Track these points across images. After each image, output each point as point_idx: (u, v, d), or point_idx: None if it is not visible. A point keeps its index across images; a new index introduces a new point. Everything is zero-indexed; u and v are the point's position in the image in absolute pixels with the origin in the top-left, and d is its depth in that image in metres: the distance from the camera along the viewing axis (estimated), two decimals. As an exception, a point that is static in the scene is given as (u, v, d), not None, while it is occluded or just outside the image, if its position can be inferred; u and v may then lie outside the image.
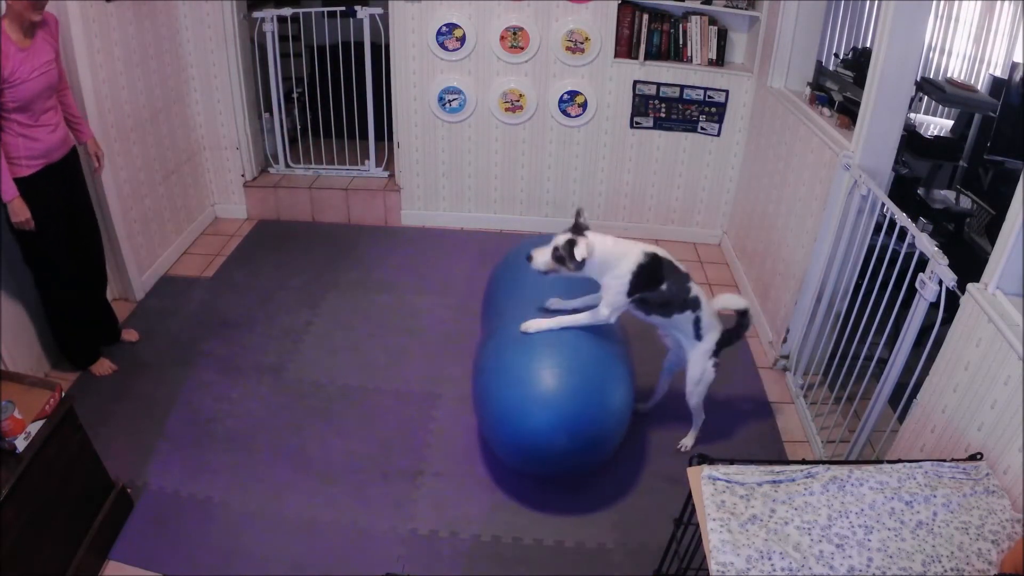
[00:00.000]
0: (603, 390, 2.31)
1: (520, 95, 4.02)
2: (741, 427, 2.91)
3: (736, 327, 2.51)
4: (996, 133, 3.50)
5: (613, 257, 2.24)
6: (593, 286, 2.37)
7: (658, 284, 2.30)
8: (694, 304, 2.36)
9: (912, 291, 2.23)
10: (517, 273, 2.67)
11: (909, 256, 2.26)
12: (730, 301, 2.50)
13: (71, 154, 2.72)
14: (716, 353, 2.48)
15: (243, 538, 2.34)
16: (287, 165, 4.49)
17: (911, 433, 2.13)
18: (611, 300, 2.29)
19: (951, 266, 2.06)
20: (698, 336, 2.43)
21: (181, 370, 3.08)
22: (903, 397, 2.20)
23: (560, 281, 2.42)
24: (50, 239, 2.63)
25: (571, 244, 2.19)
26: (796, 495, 1.58)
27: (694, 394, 2.55)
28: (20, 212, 2.46)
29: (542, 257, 2.25)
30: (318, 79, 4.39)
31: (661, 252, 2.33)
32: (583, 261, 2.19)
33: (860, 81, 2.92)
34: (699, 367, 2.48)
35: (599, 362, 2.35)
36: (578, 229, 2.25)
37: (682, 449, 2.72)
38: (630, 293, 2.28)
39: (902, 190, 3.23)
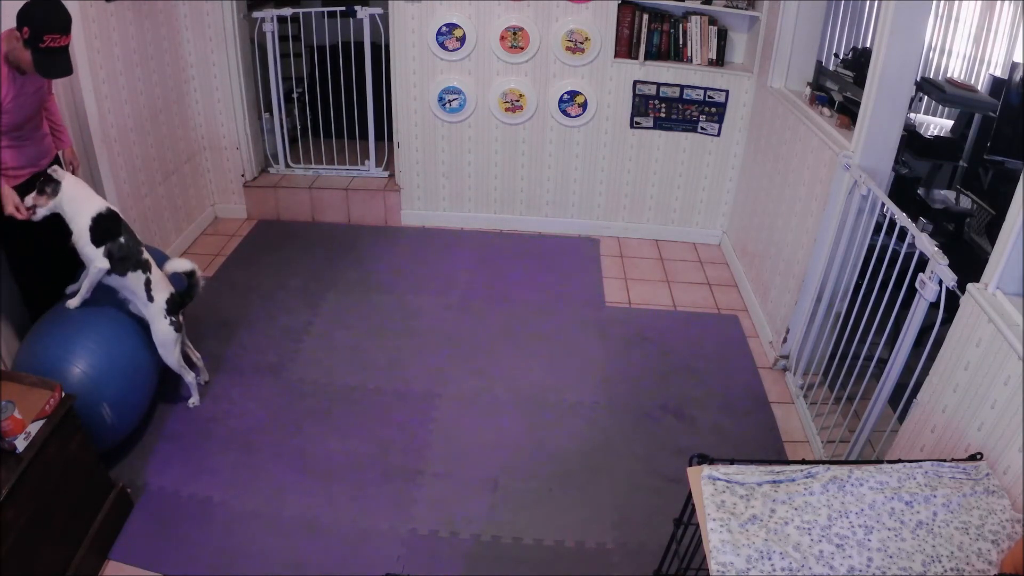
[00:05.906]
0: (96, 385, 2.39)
1: (520, 95, 4.03)
2: (741, 427, 2.91)
3: (188, 288, 2.76)
4: (996, 133, 3.50)
5: (76, 204, 2.47)
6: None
7: (116, 236, 2.52)
8: (146, 265, 2.60)
9: (912, 291, 2.23)
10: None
11: (909, 256, 2.26)
12: (177, 264, 2.74)
13: (56, 162, 2.68)
14: (172, 312, 2.67)
15: (243, 538, 2.34)
16: (287, 165, 4.49)
17: (911, 433, 2.13)
18: (84, 250, 2.48)
19: (951, 266, 2.06)
20: (150, 297, 2.62)
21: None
22: (903, 397, 2.20)
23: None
24: (37, 248, 2.59)
25: (41, 188, 2.44)
26: (796, 495, 1.58)
27: (165, 355, 2.70)
28: (9, 200, 2.40)
29: (29, 201, 2.45)
30: (318, 79, 4.39)
31: (117, 210, 2.59)
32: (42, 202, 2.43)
33: (860, 81, 2.92)
34: (157, 325, 2.65)
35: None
36: (47, 180, 2.45)
37: (190, 405, 2.89)
38: (95, 241, 2.47)
39: (902, 190, 3.24)
